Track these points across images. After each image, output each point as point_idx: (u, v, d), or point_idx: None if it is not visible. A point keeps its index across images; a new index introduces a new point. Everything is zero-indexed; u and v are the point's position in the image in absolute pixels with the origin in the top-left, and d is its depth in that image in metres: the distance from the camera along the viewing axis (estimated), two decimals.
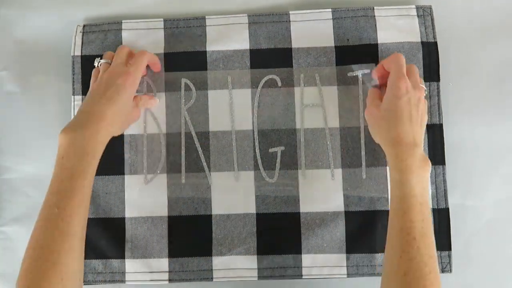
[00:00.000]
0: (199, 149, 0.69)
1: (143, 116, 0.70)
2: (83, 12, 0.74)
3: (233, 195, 0.68)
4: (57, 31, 0.73)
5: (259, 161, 0.69)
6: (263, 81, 0.69)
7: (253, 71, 0.70)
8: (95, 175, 0.66)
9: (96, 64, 0.67)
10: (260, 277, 0.67)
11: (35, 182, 0.72)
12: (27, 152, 0.72)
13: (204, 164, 0.69)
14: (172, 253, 0.68)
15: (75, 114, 0.61)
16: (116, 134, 0.63)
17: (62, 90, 0.72)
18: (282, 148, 0.69)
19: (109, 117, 0.59)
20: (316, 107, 0.69)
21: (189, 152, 0.69)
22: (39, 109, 0.73)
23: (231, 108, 0.69)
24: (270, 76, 0.69)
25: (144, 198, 0.69)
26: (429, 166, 0.59)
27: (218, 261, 0.68)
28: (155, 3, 0.74)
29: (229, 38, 0.70)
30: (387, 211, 0.66)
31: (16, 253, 0.71)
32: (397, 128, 0.59)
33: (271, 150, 0.69)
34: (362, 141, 0.68)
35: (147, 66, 0.68)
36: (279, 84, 0.69)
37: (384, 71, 0.65)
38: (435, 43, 0.69)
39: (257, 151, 0.69)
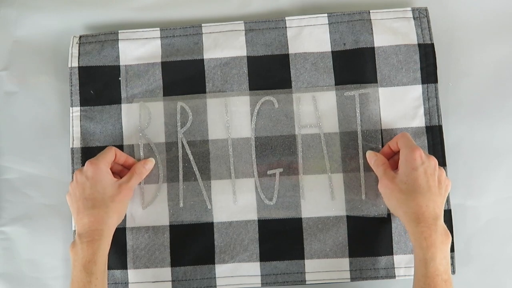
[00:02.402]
0: (197, 173, 0.69)
1: (140, 139, 0.70)
2: (83, 12, 0.74)
3: (233, 219, 0.69)
4: (57, 31, 0.74)
5: (257, 183, 0.69)
6: (260, 102, 0.69)
7: (251, 93, 0.70)
8: None
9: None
10: (264, 283, 0.67)
11: (35, 182, 0.72)
12: (27, 152, 0.73)
13: (202, 187, 0.69)
14: (175, 262, 0.68)
15: (77, 224, 0.62)
16: (119, 222, 0.65)
17: (62, 90, 0.73)
18: (281, 170, 0.69)
19: (102, 223, 0.61)
20: (313, 127, 0.69)
21: (187, 176, 0.69)
22: (39, 109, 0.73)
23: (229, 130, 0.70)
24: (267, 98, 0.69)
25: (143, 221, 0.69)
26: (449, 238, 0.58)
27: (221, 269, 0.67)
28: (153, 4, 0.74)
29: (226, 45, 0.70)
30: (388, 215, 0.66)
31: (16, 253, 0.71)
32: (417, 201, 0.58)
33: (269, 172, 0.69)
34: (360, 148, 0.68)
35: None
36: (276, 105, 0.69)
37: (390, 150, 0.65)
38: (432, 45, 0.69)
39: (255, 173, 0.69)
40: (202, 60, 0.70)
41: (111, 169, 0.64)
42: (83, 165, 0.69)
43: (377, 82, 0.69)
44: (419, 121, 0.68)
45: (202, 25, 0.71)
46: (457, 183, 0.69)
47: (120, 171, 0.67)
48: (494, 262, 0.69)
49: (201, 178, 0.69)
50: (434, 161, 0.60)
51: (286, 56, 0.70)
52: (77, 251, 0.59)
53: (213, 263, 0.68)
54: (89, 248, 0.59)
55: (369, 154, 0.66)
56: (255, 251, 0.67)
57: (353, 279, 0.67)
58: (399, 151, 0.63)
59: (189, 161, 0.69)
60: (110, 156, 0.64)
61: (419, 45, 0.69)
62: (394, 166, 0.64)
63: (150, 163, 0.68)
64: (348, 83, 0.69)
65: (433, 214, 0.58)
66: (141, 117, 0.70)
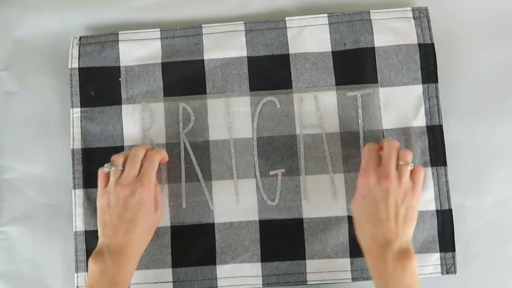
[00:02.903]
0: (199, 173, 0.69)
1: (142, 140, 0.70)
2: (83, 12, 0.74)
3: (234, 219, 0.69)
4: (57, 31, 0.74)
5: (260, 184, 0.69)
6: (261, 103, 0.69)
7: (252, 93, 0.70)
8: (95, 187, 0.67)
9: (106, 169, 0.63)
10: (265, 284, 0.67)
11: (35, 182, 0.72)
12: (27, 152, 0.72)
13: (205, 188, 0.69)
14: (176, 263, 0.68)
15: (100, 238, 0.61)
16: (144, 247, 0.63)
17: (62, 90, 0.73)
18: (283, 170, 0.69)
19: (134, 241, 0.59)
20: (315, 127, 0.69)
21: (189, 177, 0.69)
22: (39, 109, 0.73)
23: (230, 131, 0.70)
24: (268, 98, 0.69)
25: None
26: (410, 259, 0.56)
27: (222, 270, 0.67)
28: (153, 4, 0.74)
29: (226, 46, 0.70)
30: None
31: (16, 253, 0.71)
32: (367, 234, 0.59)
33: (271, 173, 0.69)
34: (362, 147, 0.68)
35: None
36: (278, 105, 0.69)
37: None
38: (432, 45, 0.69)
39: (257, 174, 0.69)
40: (202, 60, 0.70)
41: None
42: (83, 165, 0.69)
43: (377, 82, 0.69)
44: (420, 121, 0.68)
45: (202, 25, 0.71)
46: (457, 183, 0.69)
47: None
48: (494, 262, 0.69)
49: (203, 179, 0.69)
50: (388, 183, 0.58)
51: (287, 56, 0.70)
52: (105, 267, 0.57)
53: (214, 263, 0.68)
54: (122, 270, 0.58)
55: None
56: (256, 251, 0.67)
57: (354, 279, 0.67)
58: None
59: (191, 162, 0.69)
60: (155, 166, 0.63)
61: (419, 45, 0.70)
62: None
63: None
64: (349, 83, 0.69)
65: (383, 242, 0.57)
66: (144, 118, 0.70)
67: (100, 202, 0.62)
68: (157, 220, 0.65)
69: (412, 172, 0.61)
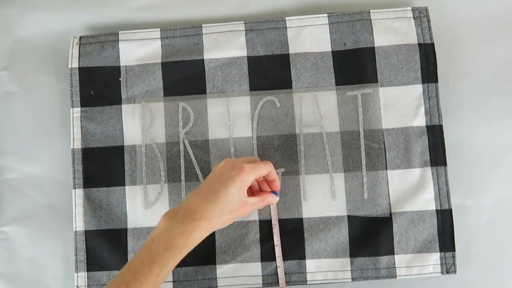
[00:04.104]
0: (199, 173, 0.69)
1: (142, 140, 0.70)
2: (83, 12, 0.74)
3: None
4: (57, 31, 0.74)
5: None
6: (261, 102, 0.70)
7: (252, 93, 0.70)
8: (95, 187, 0.67)
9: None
10: (265, 284, 0.67)
11: (35, 182, 0.72)
12: (27, 152, 0.73)
13: None
14: None
15: (184, 198, 0.61)
16: (217, 229, 0.62)
17: (62, 90, 0.73)
18: (283, 169, 0.69)
19: (209, 218, 0.58)
20: (315, 127, 0.69)
21: (189, 176, 0.69)
22: (39, 109, 0.73)
23: (230, 130, 0.70)
24: (268, 98, 0.69)
25: (146, 221, 0.69)
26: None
27: (222, 270, 0.67)
28: (153, 4, 0.74)
29: (226, 45, 0.70)
30: (390, 215, 0.67)
31: (16, 253, 0.71)
32: None
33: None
34: (362, 147, 0.68)
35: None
36: (278, 105, 0.70)
37: None
38: (432, 44, 0.69)
39: None
40: (202, 60, 0.70)
41: None
42: (83, 165, 0.69)
43: (377, 82, 0.69)
44: (420, 121, 0.68)
45: (202, 25, 0.71)
46: (457, 183, 0.69)
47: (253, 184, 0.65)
48: (494, 262, 0.69)
49: (203, 179, 0.69)
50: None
51: (287, 56, 0.70)
52: (172, 227, 0.57)
53: (214, 263, 0.68)
54: (184, 237, 0.57)
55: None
56: (256, 251, 0.67)
57: (354, 279, 0.67)
58: None
59: (191, 161, 0.69)
60: (264, 171, 0.61)
61: (419, 44, 0.70)
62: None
63: (274, 200, 0.65)
64: (349, 83, 0.69)
65: None
66: (144, 117, 0.70)
67: (216, 168, 0.61)
68: (239, 212, 0.61)
69: None
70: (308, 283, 0.67)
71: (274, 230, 0.67)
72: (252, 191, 0.65)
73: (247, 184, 0.59)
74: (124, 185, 0.69)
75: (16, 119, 0.73)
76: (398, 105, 0.69)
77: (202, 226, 0.57)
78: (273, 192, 0.65)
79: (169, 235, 0.57)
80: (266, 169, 0.61)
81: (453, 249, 0.66)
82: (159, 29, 0.71)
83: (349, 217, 0.67)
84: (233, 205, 0.59)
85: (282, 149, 0.69)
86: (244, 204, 0.60)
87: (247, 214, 0.62)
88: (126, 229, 0.68)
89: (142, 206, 0.69)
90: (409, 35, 0.70)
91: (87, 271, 0.68)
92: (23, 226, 0.71)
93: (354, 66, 0.69)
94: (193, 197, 0.59)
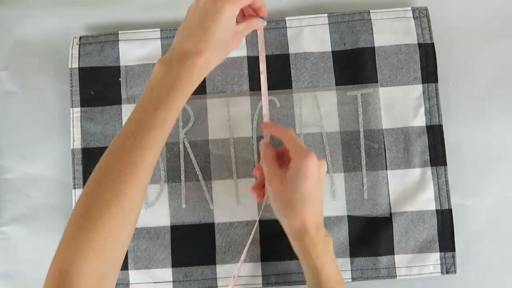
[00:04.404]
0: (199, 173, 0.69)
1: None
2: (83, 12, 0.74)
3: (234, 219, 0.68)
4: (57, 31, 0.74)
5: None
6: (261, 102, 0.69)
7: (252, 93, 0.70)
8: None
9: None
10: (265, 284, 0.67)
11: (35, 182, 0.72)
12: (27, 152, 0.72)
13: (205, 188, 0.69)
14: (176, 263, 0.68)
15: (173, 43, 0.57)
16: (214, 66, 0.58)
17: (62, 90, 0.73)
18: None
19: (205, 53, 0.54)
20: (315, 127, 0.69)
21: (189, 177, 0.69)
22: (39, 109, 0.73)
23: (230, 130, 0.70)
24: (268, 98, 0.69)
25: (145, 221, 0.69)
26: (330, 239, 0.59)
27: (222, 269, 0.67)
28: (153, 4, 0.74)
29: None
30: (390, 215, 0.67)
31: (16, 253, 0.71)
32: (304, 212, 0.57)
33: None
34: (362, 147, 0.68)
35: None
36: (278, 105, 0.70)
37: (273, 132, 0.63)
38: (432, 44, 0.69)
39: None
40: None
41: None
42: (83, 165, 0.69)
43: (377, 82, 0.69)
44: (420, 121, 0.68)
45: None
46: (457, 183, 0.69)
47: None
48: (494, 262, 0.69)
49: (203, 179, 0.69)
50: (324, 165, 0.59)
51: (287, 56, 0.70)
52: (170, 72, 0.54)
53: (214, 263, 0.68)
54: (185, 77, 0.54)
55: (263, 143, 0.64)
56: (256, 251, 0.67)
57: (354, 279, 0.67)
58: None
59: (191, 161, 0.69)
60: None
61: (419, 44, 0.70)
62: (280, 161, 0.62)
63: (261, 23, 0.63)
64: (349, 83, 0.69)
65: (316, 222, 0.58)
66: None
67: (188, 10, 0.59)
68: (233, 43, 0.59)
69: None
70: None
71: (260, 57, 0.68)
72: (237, 21, 0.61)
73: (236, 13, 0.56)
74: None
75: (16, 119, 0.73)
76: (398, 105, 0.69)
77: (198, 64, 0.54)
78: (261, 18, 0.63)
79: (168, 79, 0.54)
80: None
81: (453, 249, 0.67)
82: (159, 29, 0.71)
83: (349, 217, 0.67)
84: (225, 38, 0.56)
85: None
86: (235, 34, 0.58)
87: (239, 44, 0.60)
88: None
89: (142, 207, 0.69)
90: (409, 35, 0.70)
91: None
92: (23, 226, 0.71)
93: (354, 66, 0.69)
94: (183, 39, 0.56)
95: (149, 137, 0.51)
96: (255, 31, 0.69)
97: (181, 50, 0.55)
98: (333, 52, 0.70)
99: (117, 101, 0.70)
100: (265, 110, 0.68)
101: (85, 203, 0.50)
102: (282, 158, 0.61)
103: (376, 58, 0.69)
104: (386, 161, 0.68)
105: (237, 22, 0.58)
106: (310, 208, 0.57)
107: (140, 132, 0.52)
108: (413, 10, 0.70)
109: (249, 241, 0.66)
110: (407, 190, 0.68)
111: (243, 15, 0.62)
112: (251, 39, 0.70)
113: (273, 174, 0.59)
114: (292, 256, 0.67)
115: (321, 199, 0.59)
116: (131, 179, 0.50)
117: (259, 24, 0.62)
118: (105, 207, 0.49)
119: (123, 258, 0.52)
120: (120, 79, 0.70)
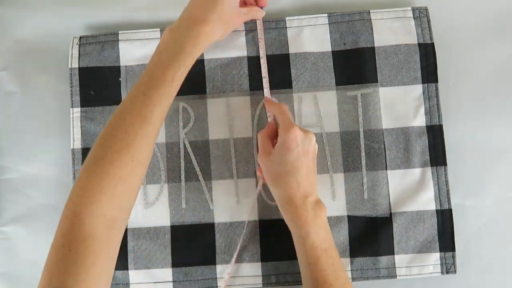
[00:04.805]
0: (199, 173, 0.69)
1: None
2: (83, 12, 0.74)
3: (234, 219, 0.69)
4: (57, 31, 0.74)
5: (259, 183, 0.68)
6: (261, 103, 0.70)
7: (252, 93, 0.70)
8: None
9: None
10: (265, 284, 0.67)
11: (35, 182, 0.72)
12: (27, 152, 0.72)
13: (205, 188, 0.69)
14: (176, 263, 0.68)
15: (182, 13, 0.61)
16: (216, 39, 0.63)
17: (62, 90, 0.73)
18: None
19: (211, 22, 0.60)
20: (315, 127, 0.69)
21: (189, 177, 0.69)
22: (39, 109, 0.73)
23: (230, 130, 0.70)
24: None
25: (145, 221, 0.69)
26: (323, 209, 0.60)
27: (222, 269, 0.67)
28: (153, 4, 0.74)
29: (226, 46, 0.70)
30: (390, 215, 0.67)
31: (16, 253, 0.71)
32: (288, 183, 0.60)
33: None
34: (362, 147, 0.68)
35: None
36: None
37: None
38: (432, 44, 0.69)
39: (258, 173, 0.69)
40: (203, 60, 0.70)
41: None
42: None
43: (377, 82, 0.69)
44: (420, 121, 0.68)
45: None
46: (457, 183, 0.69)
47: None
48: (494, 262, 0.69)
49: (203, 179, 0.69)
50: (310, 137, 0.61)
51: (287, 56, 0.70)
52: (178, 37, 0.59)
53: (214, 263, 0.68)
54: (191, 41, 0.58)
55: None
56: (256, 251, 0.67)
57: (354, 279, 0.67)
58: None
59: (191, 161, 0.69)
60: None
61: (419, 44, 0.70)
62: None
63: (261, 14, 0.70)
64: (349, 83, 0.69)
65: (303, 193, 0.59)
66: None
67: None
68: (235, 22, 0.66)
69: None
70: None
71: (260, 44, 0.70)
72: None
73: None
74: None
75: (16, 119, 0.73)
76: (398, 105, 0.69)
77: (204, 31, 0.59)
78: (260, 7, 0.69)
79: (176, 43, 0.58)
80: None
81: (453, 249, 0.67)
82: (159, 29, 0.71)
83: (349, 217, 0.67)
84: (230, 13, 0.62)
85: None
86: (238, 14, 0.65)
87: (241, 24, 0.69)
88: (126, 229, 0.68)
89: (142, 206, 0.69)
90: (409, 35, 0.70)
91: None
92: (23, 226, 0.71)
93: (354, 66, 0.69)
94: (192, 8, 0.61)
95: (158, 93, 0.55)
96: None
97: (189, 18, 0.60)
98: (333, 52, 0.70)
99: (117, 101, 0.70)
100: (266, 92, 0.69)
101: (99, 148, 0.53)
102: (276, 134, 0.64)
103: (376, 58, 0.69)
104: (386, 161, 0.68)
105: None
106: (294, 179, 0.59)
107: (150, 90, 0.56)
108: (413, 10, 0.70)
109: (243, 233, 0.67)
110: (407, 190, 0.68)
111: (245, 3, 0.69)
112: (251, 39, 0.70)
113: (263, 149, 0.63)
114: (292, 256, 0.67)
115: (310, 169, 0.61)
116: (140, 132, 0.54)
117: (258, 14, 0.69)
118: (116, 154, 0.53)
119: (132, 206, 0.56)
120: (120, 79, 0.70)
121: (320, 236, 0.59)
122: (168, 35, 0.59)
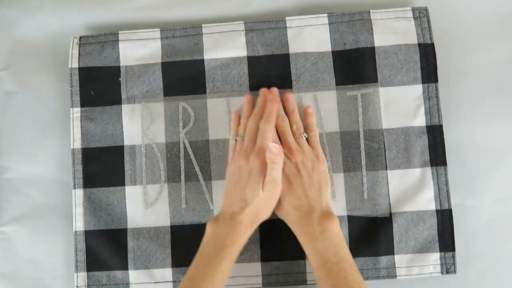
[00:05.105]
0: (199, 173, 0.69)
1: (142, 140, 0.70)
2: (83, 12, 0.74)
3: None
4: (57, 31, 0.74)
5: None
6: None
7: (252, 93, 0.70)
8: (95, 187, 0.68)
9: (232, 142, 0.67)
10: (265, 284, 0.67)
11: (35, 182, 0.72)
12: (27, 152, 0.72)
13: (205, 188, 0.69)
14: (176, 263, 0.68)
15: (221, 206, 0.63)
16: (267, 214, 0.63)
17: (62, 90, 0.73)
18: None
19: (247, 208, 0.60)
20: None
21: (188, 177, 0.69)
22: (39, 109, 0.73)
23: (231, 129, 0.69)
24: None
25: (145, 221, 0.69)
26: (332, 221, 0.60)
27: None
28: (153, 4, 0.74)
29: (226, 46, 0.70)
30: (390, 215, 0.67)
31: (16, 253, 0.71)
32: (290, 202, 0.62)
33: None
34: (362, 147, 0.68)
35: None
36: None
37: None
38: (432, 44, 0.69)
39: None
40: (203, 60, 0.70)
41: None
42: (83, 165, 0.69)
43: (377, 82, 0.69)
44: (420, 121, 0.68)
45: (202, 25, 0.71)
46: (457, 183, 0.69)
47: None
48: (494, 262, 0.69)
49: (203, 179, 0.69)
50: (295, 158, 0.63)
51: (287, 56, 0.70)
52: (218, 230, 0.60)
53: None
54: (232, 233, 0.60)
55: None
56: (256, 251, 0.67)
57: None
58: None
59: (191, 162, 0.69)
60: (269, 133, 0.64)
61: (419, 44, 0.70)
62: None
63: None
64: (349, 83, 0.69)
65: (307, 210, 0.61)
66: (144, 117, 0.70)
67: (226, 172, 0.65)
68: (273, 194, 0.62)
69: (308, 140, 0.66)
70: (308, 283, 0.67)
71: None
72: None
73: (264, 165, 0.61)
74: (124, 185, 0.69)
75: (16, 119, 0.73)
76: (398, 105, 0.69)
77: (243, 221, 0.60)
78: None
79: (216, 238, 0.60)
80: (270, 131, 0.63)
81: (453, 249, 0.67)
82: (159, 29, 0.71)
83: (349, 217, 0.67)
84: (268, 198, 0.62)
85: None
86: (276, 186, 0.62)
87: (281, 186, 0.63)
88: (126, 229, 0.68)
89: (142, 206, 0.69)
90: (409, 35, 0.70)
91: (87, 271, 0.68)
92: (23, 226, 0.71)
93: (354, 66, 0.69)
94: (228, 202, 0.62)
95: None
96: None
97: (226, 213, 0.61)
98: (333, 52, 0.70)
99: (117, 101, 0.70)
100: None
101: None
102: None
103: (376, 58, 0.69)
104: (386, 161, 0.68)
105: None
106: (293, 198, 0.62)
107: (193, 287, 0.58)
108: (413, 10, 0.70)
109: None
110: (407, 190, 0.68)
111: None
112: (251, 39, 0.70)
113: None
114: (292, 256, 0.67)
115: (306, 186, 0.62)
116: None
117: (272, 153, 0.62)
118: None
119: None
120: (120, 79, 0.70)
121: (329, 249, 0.59)
122: (209, 229, 0.61)
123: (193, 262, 0.59)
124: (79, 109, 0.70)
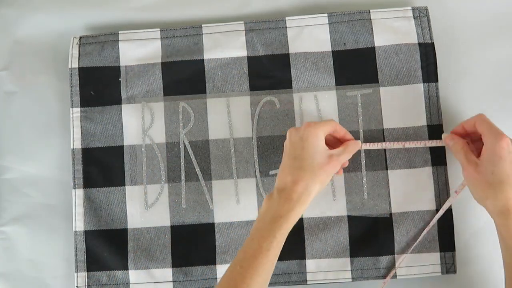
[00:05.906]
0: (199, 173, 0.69)
1: (142, 140, 0.70)
2: (83, 12, 0.74)
3: (234, 219, 0.69)
4: (57, 31, 0.74)
5: (260, 183, 0.69)
6: (261, 103, 0.70)
7: (252, 93, 0.70)
8: (95, 187, 0.68)
9: None
10: None
11: (35, 182, 0.72)
12: (27, 152, 0.73)
13: (205, 188, 0.69)
14: (176, 263, 0.68)
15: (278, 177, 0.61)
16: (318, 190, 0.60)
17: (62, 90, 0.73)
18: None
19: (301, 179, 0.59)
20: None
21: (189, 177, 0.69)
22: (39, 109, 0.73)
23: (230, 130, 0.70)
24: (268, 98, 0.69)
25: (145, 221, 0.69)
26: None
27: (222, 269, 0.67)
28: (153, 4, 0.74)
29: (226, 45, 0.70)
30: (390, 215, 0.67)
31: (16, 253, 0.71)
32: (505, 193, 0.57)
33: (271, 172, 0.69)
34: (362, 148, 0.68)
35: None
36: (277, 105, 0.70)
37: (463, 131, 0.63)
38: (432, 44, 0.69)
39: (257, 173, 0.69)
40: (202, 60, 0.70)
41: (326, 139, 0.62)
42: (83, 165, 0.69)
43: (377, 82, 0.69)
44: (420, 121, 0.68)
45: (202, 25, 0.71)
46: (457, 183, 0.68)
47: (334, 143, 0.65)
48: (494, 262, 0.68)
49: (203, 179, 0.69)
50: None
51: (287, 56, 0.70)
52: (272, 203, 0.59)
53: (214, 263, 0.68)
54: (286, 204, 0.58)
55: (446, 136, 0.64)
56: None
57: (354, 279, 0.67)
58: (474, 133, 0.62)
59: (191, 162, 0.69)
60: (329, 126, 0.62)
61: (419, 44, 0.70)
62: (471, 148, 0.62)
63: (358, 145, 0.65)
64: (349, 83, 0.69)
65: None
66: (144, 117, 0.70)
67: (284, 147, 0.63)
68: (330, 166, 0.60)
69: None
70: (308, 283, 0.67)
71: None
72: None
73: (320, 136, 0.60)
74: (124, 185, 0.69)
75: (16, 119, 0.73)
76: (398, 105, 0.69)
77: (297, 191, 0.58)
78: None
79: (270, 211, 0.58)
80: (330, 124, 0.62)
81: (453, 249, 0.67)
82: (159, 29, 0.71)
83: (349, 217, 0.67)
84: (319, 161, 0.59)
85: (282, 149, 0.68)
86: (329, 157, 0.60)
87: (338, 168, 0.62)
88: (126, 229, 0.68)
89: (142, 206, 0.69)
90: (409, 34, 0.70)
91: (87, 271, 0.68)
92: (23, 226, 0.71)
93: (354, 66, 0.69)
94: (282, 174, 0.60)
95: (255, 263, 0.56)
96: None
97: (280, 185, 0.59)
98: (333, 52, 0.70)
99: (117, 101, 0.70)
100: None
101: None
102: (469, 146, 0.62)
103: (377, 58, 0.69)
104: (386, 161, 0.68)
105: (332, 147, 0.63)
106: (510, 190, 0.57)
107: (246, 260, 0.56)
108: (413, 10, 0.70)
109: None
110: (407, 190, 0.68)
111: (338, 141, 0.65)
112: (251, 39, 0.70)
113: (467, 161, 0.60)
114: (292, 256, 0.67)
115: None
116: None
117: (356, 146, 0.64)
118: None
119: None
120: (120, 79, 0.71)
121: None
122: (264, 203, 0.60)
123: (248, 237, 0.58)
124: (79, 109, 0.70)
